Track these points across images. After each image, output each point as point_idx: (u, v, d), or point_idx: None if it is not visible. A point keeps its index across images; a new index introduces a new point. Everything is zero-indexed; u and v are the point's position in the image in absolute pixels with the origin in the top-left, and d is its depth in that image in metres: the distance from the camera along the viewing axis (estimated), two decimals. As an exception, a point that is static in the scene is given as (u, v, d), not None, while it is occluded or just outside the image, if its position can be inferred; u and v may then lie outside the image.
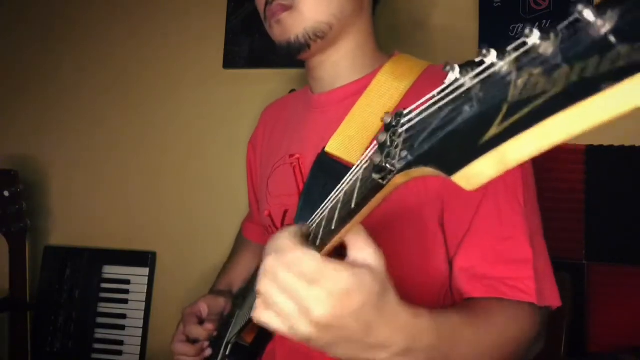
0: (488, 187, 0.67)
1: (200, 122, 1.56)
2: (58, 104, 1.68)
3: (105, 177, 1.62)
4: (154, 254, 1.53)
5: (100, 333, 1.50)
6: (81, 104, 1.66)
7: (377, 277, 0.43)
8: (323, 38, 0.78)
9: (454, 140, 0.29)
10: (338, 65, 0.83)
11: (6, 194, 1.38)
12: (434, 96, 0.33)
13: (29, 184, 1.54)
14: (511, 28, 1.34)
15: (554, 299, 0.67)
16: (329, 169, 0.74)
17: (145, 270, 1.51)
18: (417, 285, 0.70)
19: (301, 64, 0.88)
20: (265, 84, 1.49)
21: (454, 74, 0.31)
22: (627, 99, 0.21)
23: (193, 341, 0.90)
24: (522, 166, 0.69)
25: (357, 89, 0.81)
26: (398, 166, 0.34)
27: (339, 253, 0.46)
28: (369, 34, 0.85)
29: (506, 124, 0.26)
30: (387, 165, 0.34)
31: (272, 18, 0.79)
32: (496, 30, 1.35)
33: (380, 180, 0.36)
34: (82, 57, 1.68)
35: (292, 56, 0.81)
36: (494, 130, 0.27)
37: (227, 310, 0.97)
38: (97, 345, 1.50)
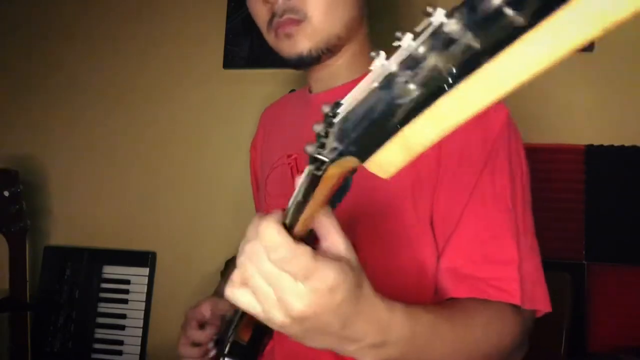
0: (476, 187, 0.67)
1: (200, 122, 1.56)
2: (58, 104, 1.68)
3: (105, 177, 1.62)
4: (154, 254, 1.53)
5: (100, 333, 1.50)
6: (81, 104, 1.66)
7: (355, 269, 0.43)
8: (332, 50, 0.79)
9: (372, 128, 0.29)
10: (339, 67, 0.84)
11: (6, 194, 1.38)
12: (364, 84, 0.32)
13: (29, 184, 1.54)
14: (511, 28, 1.33)
15: (542, 304, 0.66)
16: None
17: (145, 270, 1.51)
18: (408, 280, 0.70)
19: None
20: (265, 84, 1.49)
21: (379, 60, 0.29)
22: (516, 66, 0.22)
23: (197, 344, 0.90)
24: (511, 165, 0.69)
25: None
26: (330, 157, 0.33)
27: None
28: (367, 36, 0.86)
29: (406, 108, 0.26)
30: (321, 156, 0.34)
31: (281, 31, 0.77)
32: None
33: (316, 172, 0.35)
34: (82, 57, 1.68)
35: (300, 68, 0.82)
36: (398, 116, 0.27)
37: (230, 312, 0.97)
38: (97, 345, 1.50)
